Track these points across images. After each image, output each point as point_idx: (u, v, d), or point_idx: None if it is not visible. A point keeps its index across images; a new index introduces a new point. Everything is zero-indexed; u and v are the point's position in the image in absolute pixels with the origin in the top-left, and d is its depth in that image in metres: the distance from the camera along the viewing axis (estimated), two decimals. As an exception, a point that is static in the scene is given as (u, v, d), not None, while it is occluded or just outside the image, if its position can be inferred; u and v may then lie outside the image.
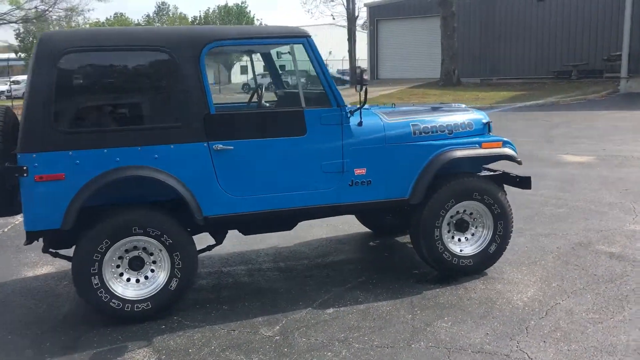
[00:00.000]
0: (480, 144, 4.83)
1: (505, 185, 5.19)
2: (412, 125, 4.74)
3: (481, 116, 5.08)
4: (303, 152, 4.42)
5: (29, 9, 27.61)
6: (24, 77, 45.27)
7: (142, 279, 4.26)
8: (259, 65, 6.22)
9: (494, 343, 3.75)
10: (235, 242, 5.99)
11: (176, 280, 4.23)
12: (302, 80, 4.83)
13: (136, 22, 62.20)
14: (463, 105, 5.42)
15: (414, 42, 34.10)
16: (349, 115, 4.49)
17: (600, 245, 5.55)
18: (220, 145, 4.24)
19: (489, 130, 5.05)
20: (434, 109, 5.17)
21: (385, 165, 4.63)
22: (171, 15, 61.70)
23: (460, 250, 4.88)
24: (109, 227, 4.06)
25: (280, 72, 5.76)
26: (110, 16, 63.19)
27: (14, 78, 45.85)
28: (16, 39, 45.76)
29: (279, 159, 4.39)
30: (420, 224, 4.74)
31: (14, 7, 27.79)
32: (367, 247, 5.84)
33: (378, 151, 4.61)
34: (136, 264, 4.23)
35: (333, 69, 57.14)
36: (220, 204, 4.30)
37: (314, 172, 4.46)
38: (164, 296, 4.23)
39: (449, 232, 4.89)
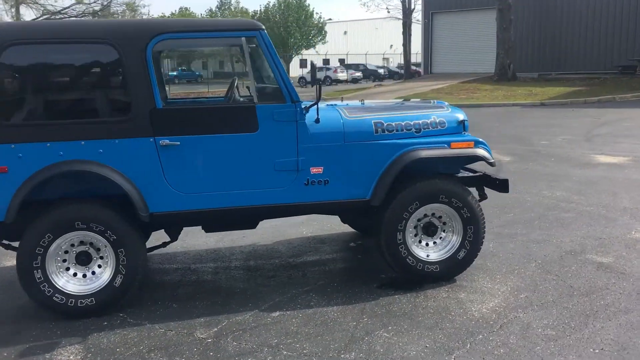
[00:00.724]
0: (449, 144, 4.55)
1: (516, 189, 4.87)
2: (374, 122, 4.51)
3: (456, 114, 4.79)
4: (255, 150, 4.28)
5: (89, 4, 28.50)
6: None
7: (89, 274, 4.23)
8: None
9: (429, 357, 3.51)
10: (217, 238, 5.93)
11: (121, 277, 4.18)
12: (257, 75, 4.67)
13: (199, 16, 63.23)
14: (446, 103, 5.12)
15: (469, 35, 33.26)
16: (304, 111, 4.30)
17: (592, 255, 5.17)
18: (167, 141, 4.15)
19: (465, 129, 4.75)
20: (405, 106, 4.92)
21: (344, 165, 4.43)
22: (233, 10, 62.41)
23: (427, 256, 4.63)
24: (51, 221, 4.04)
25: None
26: (175, 10, 64.48)
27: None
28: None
29: (229, 155, 4.26)
30: (382, 226, 4.52)
31: (75, 2, 28.73)
32: (346, 248, 5.65)
33: (336, 149, 4.41)
34: (83, 259, 4.19)
35: (394, 62, 56.57)
36: (167, 201, 4.21)
37: (267, 170, 4.31)
38: (108, 293, 4.18)
39: (415, 235, 4.64)
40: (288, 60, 57.83)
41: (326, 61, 57.75)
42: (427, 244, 4.68)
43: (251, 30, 4.25)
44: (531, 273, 4.79)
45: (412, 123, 4.60)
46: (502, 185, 4.84)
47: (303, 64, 61.74)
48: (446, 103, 5.11)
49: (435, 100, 5.24)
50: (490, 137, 12.66)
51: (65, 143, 4.04)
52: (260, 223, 5.79)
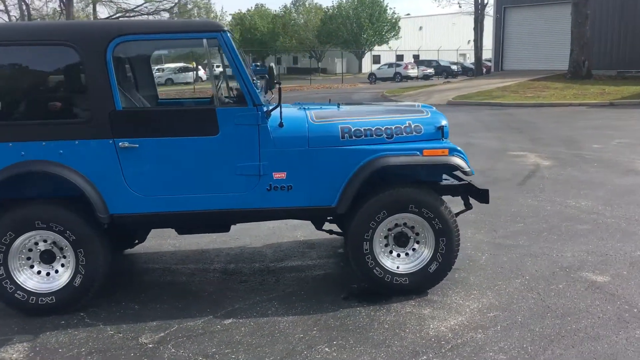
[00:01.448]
0: (421, 151, 4.32)
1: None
2: (340, 127, 4.35)
3: (435, 120, 4.55)
4: (215, 153, 4.21)
5: (159, 2, 29.36)
6: (168, 65, 48.32)
7: (52, 273, 4.29)
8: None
9: (359, 377, 3.34)
10: (210, 239, 5.93)
11: (80, 277, 4.22)
12: (219, 76, 4.58)
13: (274, 12, 63.95)
14: (433, 108, 4.88)
15: (543, 30, 32.00)
16: (265, 115, 4.20)
17: (588, 272, 4.81)
18: (126, 143, 4.15)
19: (444, 136, 4.50)
20: (381, 111, 4.72)
21: (309, 170, 4.30)
22: (307, 6, 62.68)
23: (397, 267, 4.44)
24: (12, 220, 4.13)
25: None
26: (252, 7, 65.42)
27: (158, 66, 49.16)
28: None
29: (189, 159, 4.21)
30: (348, 235, 4.36)
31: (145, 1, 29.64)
32: (332, 255, 5.50)
33: (300, 155, 4.28)
34: (46, 258, 4.26)
35: (471, 59, 55.09)
36: (127, 203, 4.22)
37: (229, 174, 4.24)
38: (68, 292, 4.24)
39: (386, 246, 4.46)
40: (360, 57, 57.63)
41: (399, 57, 57.18)
42: (398, 255, 4.48)
43: (212, 31, 4.18)
44: (512, 290, 4.50)
45: (383, 128, 4.41)
46: (482, 196, 4.56)
47: (376, 59, 61.46)
48: (433, 108, 4.87)
49: (421, 104, 4.99)
50: (540, 140, 12.14)
51: (27, 143, 4.11)
52: (258, 224, 5.75)
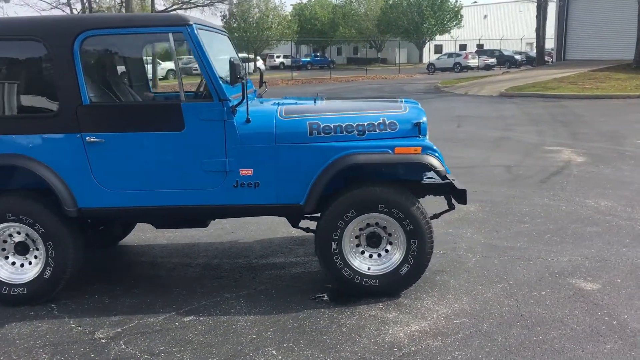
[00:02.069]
0: (393, 149, 4.15)
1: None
2: (308, 123, 4.23)
3: (412, 116, 4.35)
4: (181, 149, 4.18)
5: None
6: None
7: (26, 264, 4.38)
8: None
9: (295, 383, 3.24)
10: (206, 232, 5.93)
11: (50, 269, 4.28)
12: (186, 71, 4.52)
13: (335, 2, 63.63)
14: (418, 104, 4.69)
15: (608, 18, 30.56)
16: (231, 110, 4.12)
17: (578, 279, 4.53)
18: (93, 138, 4.17)
19: (420, 133, 4.31)
20: (356, 106, 4.56)
21: (275, 167, 4.20)
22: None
23: (368, 269, 4.30)
24: None
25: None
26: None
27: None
28: (221, 20, 49.56)
29: (155, 154, 4.19)
30: (316, 234, 4.25)
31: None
32: (319, 252, 5.37)
33: (267, 151, 4.19)
34: (20, 249, 4.34)
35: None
36: (95, 197, 4.24)
37: (195, 170, 4.20)
38: (38, 284, 4.31)
39: (357, 246, 4.32)
40: (421, 46, 56.77)
41: (462, 47, 55.94)
42: (370, 256, 4.34)
43: (178, 25, 4.12)
44: (490, 296, 4.28)
45: (354, 125, 4.25)
46: (459, 197, 4.35)
47: (438, 49, 60.32)
48: (417, 104, 4.67)
49: (404, 99, 4.80)
50: (581, 134, 11.64)
51: (-1, 137, 4.18)
52: (257, 218, 5.68)
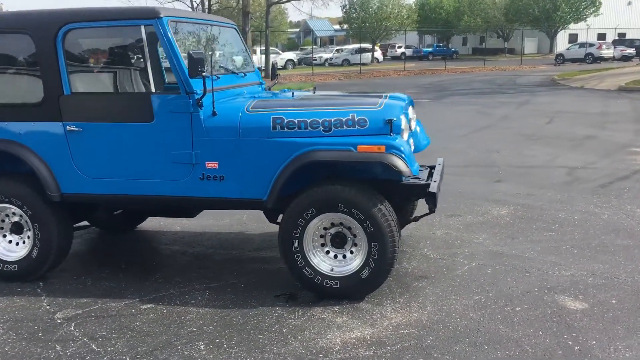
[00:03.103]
0: (356, 147, 3.98)
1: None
2: (273, 118, 4.15)
3: (386, 113, 4.13)
4: (151, 140, 4.27)
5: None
6: (346, 46, 49.18)
7: (21, 243, 4.68)
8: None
9: (201, 380, 3.23)
10: (224, 223, 6.03)
11: (37, 250, 4.55)
12: (158, 62, 4.54)
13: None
14: (403, 100, 4.47)
15: None
16: (197, 103, 4.13)
17: (568, 296, 4.12)
18: (73, 127, 4.36)
19: (391, 131, 4.08)
20: (331, 100, 4.41)
21: (239, 161, 4.18)
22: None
23: (332, 269, 4.17)
24: None
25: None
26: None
27: (337, 47, 50.29)
28: (341, 10, 49.86)
29: (127, 144, 4.31)
30: (279, 231, 4.18)
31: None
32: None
33: (231, 145, 4.18)
34: (15, 229, 4.66)
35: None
36: (75, 183, 4.44)
37: (164, 161, 4.27)
38: (27, 263, 4.60)
39: (322, 245, 4.20)
40: (552, 36, 53.75)
41: (601, 36, 52.30)
42: (335, 257, 4.20)
43: (149, 18, 4.19)
44: (457, 308, 4.00)
45: (320, 120, 4.12)
46: (428, 200, 4.10)
47: (572, 38, 56.77)
48: (402, 99, 4.46)
49: (390, 94, 4.57)
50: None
51: (-6, 124, 4.49)
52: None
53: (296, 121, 4.12)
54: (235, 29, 5.39)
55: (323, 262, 4.18)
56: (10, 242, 4.71)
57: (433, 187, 4.14)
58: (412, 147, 4.83)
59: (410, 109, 4.79)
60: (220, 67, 4.94)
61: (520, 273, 4.55)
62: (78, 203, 4.60)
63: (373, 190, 4.06)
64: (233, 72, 4.96)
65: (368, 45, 47.61)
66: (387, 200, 4.08)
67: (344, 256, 4.18)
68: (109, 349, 3.59)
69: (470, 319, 3.82)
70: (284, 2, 32.20)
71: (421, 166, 4.96)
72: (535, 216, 6.00)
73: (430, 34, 64.14)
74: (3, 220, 4.69)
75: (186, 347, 3.58)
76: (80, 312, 4.12)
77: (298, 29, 73.74)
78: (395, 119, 4.09)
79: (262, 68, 30.87)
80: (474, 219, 5.96)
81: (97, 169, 4.38)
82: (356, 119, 4.11)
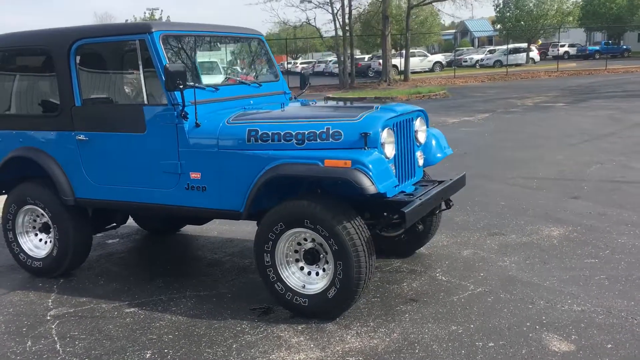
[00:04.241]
0: (323, 161, 3.84)
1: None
2: (248, 130, 4.12)
3: (363, 126, 3.93)
4: (144, 150, 4.44)
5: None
6: (499, 47, 47.19)
7: (48, 242, 5.09)
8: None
9: (123, 389, 3.31)
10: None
11: (56, 249, 4.93)
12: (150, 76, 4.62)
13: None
14: (395, 110, 4.23)
15: None
16: (181, 114, 4.22)
17: (559, 335, 3.65)
18: (82, 136, 4.67)
19: (366, 144, 3.88)
20: (313, 112, 4.29)
21: (218, 173, 4.21)
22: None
23: (303, 286, 4.06)
24: (14, 195, 5.04)
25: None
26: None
27: (489, 48, 48.47)
28: (495, 10, 47.90)
29: (125, 153, 4.52)
30: (254, 245, 4.16)
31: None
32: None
33: (211, 156, 4.22)
34: (43, 229, 5.08)
35: None
36: (86, 189, 4.75)
37: (156, 170, 4.42)
38: (49, 260, 5.00)
39: (297, 261, 4.11)
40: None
41: None
42: (309, 273, 4.09)
43: (141, 33, 4.35)
44: (424, 338, 3.70)
45: (294, 133, 4.02)
46: (399, 219, 3.84)
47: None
48: (395, 110, 4.22)
49: (384, 106, 4.33)
50: None
51: (23, 132, 4.93)
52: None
53: (270, 133, 4.05)
54: (260, 39, 5.41)
55: (295, 278, 4.08)
56: (40, 240, 5.12)
57: (409, 207, 3.85)
58: (421, 161, 4.57)
59: (418, 121, 4.53)
60: (227, 77, 4.99)
61: (523, 304, 4.10)
62: (86, 207, 4.89)
63: (342, 207, 3.87)
64: (243, 83, 4.98)
65: (522, 45, 45.28)
66: (357, 218, 3.87)
67: (317, 274, 4.05)
68: (68, 349, 3.78)
69: (430, 352, 3.51)
70: (424, 4, 31.56)
71: (429, 181, 4.68)
72: (589, 239, 5.37)
73: (599, 30, 59.44)
74: (35, 220, 5.11)
75: (134, 354, 3.67)
76: (71, 310, 4.38)
77: (455, 30, 72.06)
78: (370, 133, 3.88)
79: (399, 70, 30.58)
80: (516, 239, 5.46)
81: (101, 176, 4.64)
82: (331, 132, 3.96)
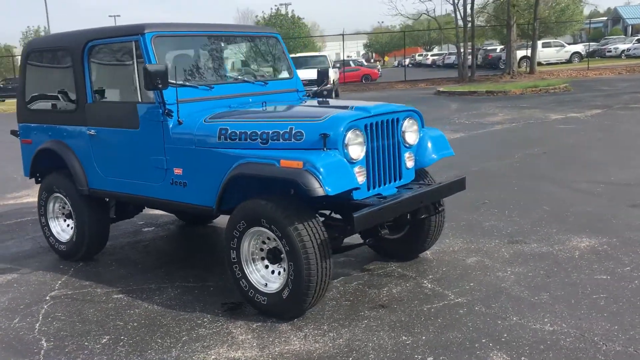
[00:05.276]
0: (279, 161, 3.85)
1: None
2: (219, 128, 4.21)
3: (324, 126, 3.87)
4: (137, 145, 4.68)
5: None
6: None
7: (71, 228, 5.52)
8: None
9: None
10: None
11: (76, 235, 5.35)
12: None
13: None
14: (382, 107, 4.16)
15: None
16: (165, 112, 4.41)
17: (509, 355, 3.41)
18: (92, 131, 5.02)
19: (325, 145, 3.83)
20: (284, 111, 4.29)
21: (195, 169, 4.35)
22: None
23: (266, 285, 4.10)
24: (44, 184, 5.52)
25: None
26: None
27: (638, 37, 44.66)
28: None
29: (124, 148, 4.80)
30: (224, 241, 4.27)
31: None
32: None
33: (189, 153, 4.37)
34: (69, 215, 5.53)
35: None
36: (97, 180, 5.10)
37: (148, 165, 4.65)
38: (71, 244, 5.43)
39: (262, 259, 4.16)
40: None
41: None
42: (273, 272, 4.12)
43: (135, 34, 4.58)
44: (366, 347, 3.57)
45: (259, 132, 4.06)
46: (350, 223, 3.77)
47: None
48: (368, 109, 4.12)
49: (355, 106, 4.22)
50: None
51: (50, 126, 5.39)
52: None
53: (237, 132, 4.12)
54: (276, 37, 5.47)
55: (259, 275, 4.11)
56: (68, 225, 5.56)
57: (360, 212, 3.75)
58: (411, 163, 4.43)
59: (407, 122, 4.39)
60: (227, 76, 5.09)
61: (492, 319, 3.85)
62: (102, 198, 5.23)
63: (298, 208, 3.85)
64: (246, 81, 5.07)
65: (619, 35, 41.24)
66: (313, 220, 3.83)
67: (279, 273, 4.06)
68: (43, 328, 4.09)
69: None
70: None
71: (423, 184, 4.52)
72: (616, 254, 4.89)
73: None
74: (63, 207, 5.55)
75: (94, 338, 3.90)
76: (69, 293, 4.73)
77: (605, 17, 67.10)
78: (330, 134, 3.82)
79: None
80: (534, 249, 5.10)
81: (107, 168, 4.95)
82: (293, 132, 3.95)
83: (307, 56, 24.70)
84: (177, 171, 4.43)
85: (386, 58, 78.17)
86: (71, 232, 5.43)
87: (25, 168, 5.72)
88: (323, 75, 5.65)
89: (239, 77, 5.14)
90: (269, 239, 4.03)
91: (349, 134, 3.89)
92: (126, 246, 5.91)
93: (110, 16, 77.49)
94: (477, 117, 15.15)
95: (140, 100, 4.66)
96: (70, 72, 5.13)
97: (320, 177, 3.63)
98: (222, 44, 5.16)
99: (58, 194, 5.41)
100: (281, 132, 3.97)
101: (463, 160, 8.95)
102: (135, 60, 4.63)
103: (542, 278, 4.49)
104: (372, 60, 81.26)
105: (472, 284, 4.43)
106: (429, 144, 4.58)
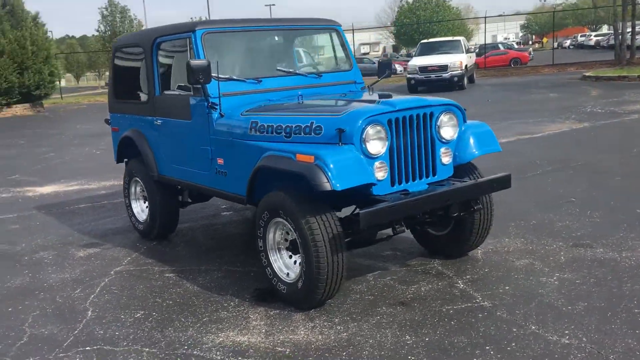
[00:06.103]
0: (295, 155, 3.95)
1: None
2: (251, 121, 4.38)
3: (342, 121, 3.88)
4: (191, 135, 5.01)
5: None
6: None
7: (147, 209, 6.01)
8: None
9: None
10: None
11: (149, 216, 5.84)
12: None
13: None
14: (413, 101, 4.12)
15: None
16: (209, 105, 4.66)
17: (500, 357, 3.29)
18: (159, 121, 5.44)
19: (340, 140, 3.87)
20: (313, 105, 4.36)
21: (233, 160, 4.57)
22: None
23: (288, 274, 4.24)
24: (126, 169, 6.07)
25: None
26: None
27: None
28: None
29: (181, 138, 5.15)
30: (255, 229, 4.46)
31: None
32: (364, 253, 5.16)
33: (228, 144, 4.59)
34: (145, 198, 6.03)
35: None
36: (164, 167, 5.51)
37: (199, 154, 4.96)
38: (146, 224, 5.92)
39: (287, 249, 4.29)
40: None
41: None
42: (295, 262, 4.24)
43: (189, 31, 4.86)
44: (367, 344, 3.61)
45: (283, 126, 4.18)
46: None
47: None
48: (389, 104, 4.07)
49: (382, 100, 4.16)
50: None
51: (129, 116, 5.90)
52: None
53: (266, 125, 4.27)
54: (337, 29, 5.52)
55: (282, 264, 4.24)
56: (146, 206, 6.06)
57: (367, 209, 3.73)
58: (447, 158, 4.33)
59: (444, 116, 4.28)
60: (277, 69, 5.20)
61: (509, 326, 3.65)
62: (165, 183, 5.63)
63: (313, 202, 3.91)
64: (297, 74, 5.18)
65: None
66: (327, 214, 3.88)
67: (298, 263, 4.16)
68: (95, 300, 4.50)
69: (355, 357, 3.43)
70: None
71: (460, 180, 4.39)
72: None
73: None
74: (143, 190, 6.05)
75: (130, 312, 4.23)
76: (131, 269, 5.16)
77: None
78: (346, 129, 3.85)
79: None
80: (597, 255, 4.72)
81: (170, 156, 5.32)
82: (313, 126, 4.02)
83: (440, 41, 24.09)
84: (220, 161, 4.67)
85: (545, 40, 73.62)
86: (147, 213, 5.90)
87: (115, 153, 6.29)
88: (384, 66, 5.60)
89: (290, 70, 5.24)
90: (291, 230, 4.12)
91: (369, 129, 3.87)
92: (200, 228, 6.28)
93: (266, 5, 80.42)
94: (615, 105, 14.01)
95: (192, 93, 4.94)
96: (144, 66, 5.54)
97: (329, 172, 3.65)
98: (276, 38, 5.29)
99: (136, 178, 5.89)
100: (302, 126, 4.04)
101: (569, 153, 8.40)
102: (189, 55, 4.91)
103: (589, 286, 4.17)
104: (530, 42, 77.14)
105: (507, 288, 4.22)
106: (471, 139, 4.41)
